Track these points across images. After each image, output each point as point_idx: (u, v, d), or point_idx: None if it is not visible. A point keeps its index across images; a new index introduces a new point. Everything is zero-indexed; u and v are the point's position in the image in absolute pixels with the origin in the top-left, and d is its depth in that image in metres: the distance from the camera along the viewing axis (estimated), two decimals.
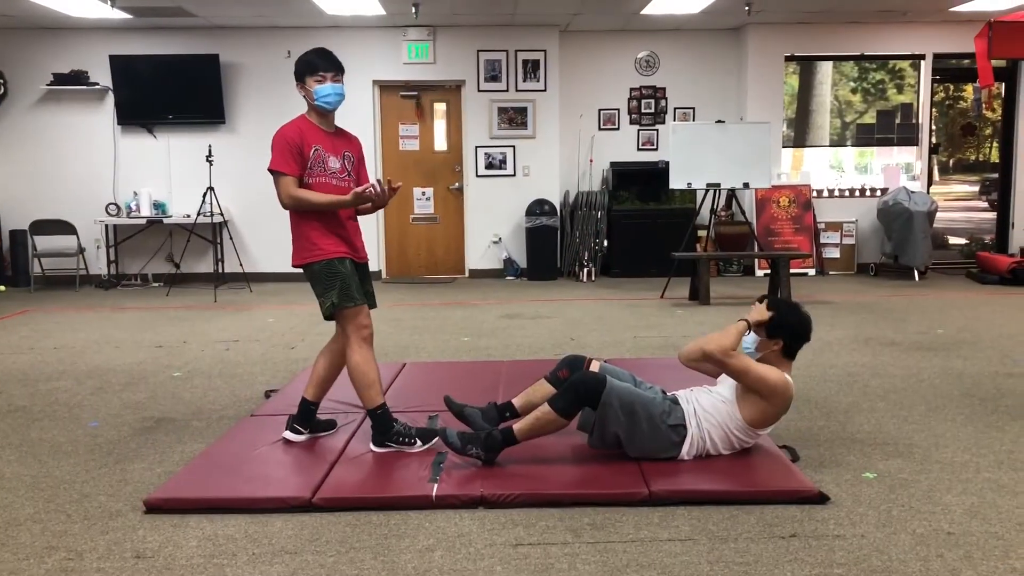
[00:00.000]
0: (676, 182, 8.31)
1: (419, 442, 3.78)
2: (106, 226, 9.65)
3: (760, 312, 3.60)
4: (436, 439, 3.80)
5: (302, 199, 3.66)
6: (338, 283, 3.70)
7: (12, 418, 4.54)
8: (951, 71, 10.75)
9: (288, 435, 3.92)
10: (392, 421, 3.79)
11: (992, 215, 11.28)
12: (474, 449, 3.54)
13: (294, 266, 3.82)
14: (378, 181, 3.67)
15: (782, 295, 7.92)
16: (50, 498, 3.40)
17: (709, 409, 3.60)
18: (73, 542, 2.99)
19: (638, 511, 3.18)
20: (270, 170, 3.69)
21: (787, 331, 3.57)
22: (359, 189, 3.64)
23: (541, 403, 3.62)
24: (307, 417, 3.95)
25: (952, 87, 13.47)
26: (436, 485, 3.34)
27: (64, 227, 9.33)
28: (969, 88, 12.15)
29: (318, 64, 3.72)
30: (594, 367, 3.82)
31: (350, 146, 3.87)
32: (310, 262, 3.73)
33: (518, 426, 3.57)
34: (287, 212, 3.75)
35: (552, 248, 9.83)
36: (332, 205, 3.69)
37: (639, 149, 10.33)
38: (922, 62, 10.27)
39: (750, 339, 3.61)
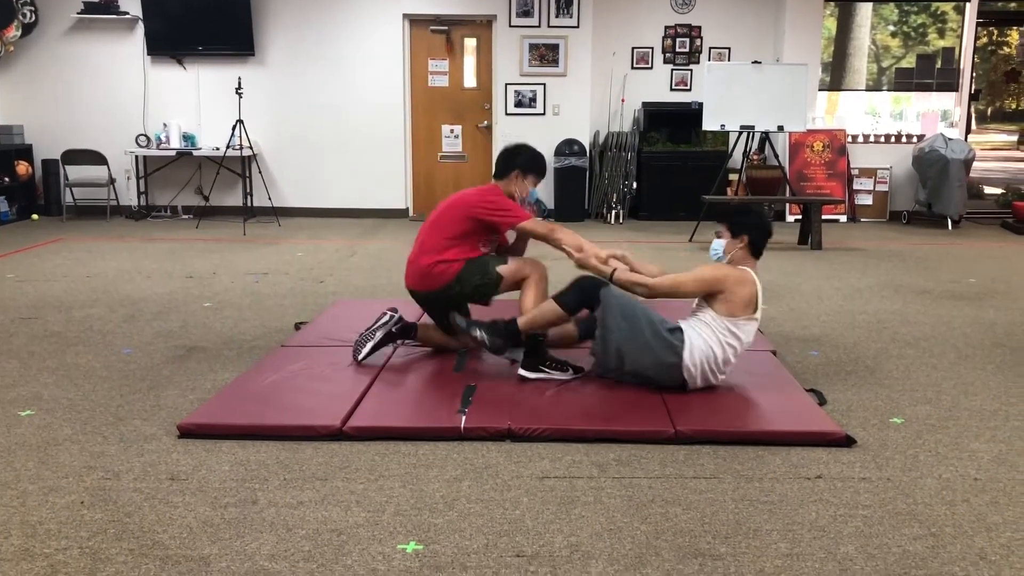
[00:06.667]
0: (709, 124, 8.19)
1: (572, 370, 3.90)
2: (136, 157, 9.68)
3: (592, 254, 3.86)
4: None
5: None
6: (476, 264, 3.97)
7: (48, 342, 4.63)
8: (996, 14, 10.42)
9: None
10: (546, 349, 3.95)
11: None
12: (479, 331, 3.75)
13: (433, 290, 4.02)
14: None
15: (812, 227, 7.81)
16: (87, 420, 3.48)
17: (694, 323, 3.66)
18: (110, 463, 3.06)
19: (664, 448, 3.20)
20: (520, 225, 4.02)
21: (749, 226, 3.71)
22: None
23: None
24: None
25: (996, 31, 13.08)
26: (464, 416, 3.38)
27: (95, 157, 9.37)
28: (1015, 32, 11.80)
29: (542, 171, 4.18)
30: None
31: None
32: (451, 281, 3.96)
33: (522, 318, 3.77)
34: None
35: (580, 189, 9.75)
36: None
37: (672, 89, 10.15)
38: (967, 4, 9.97)
39: (717, 243, 3.76)
